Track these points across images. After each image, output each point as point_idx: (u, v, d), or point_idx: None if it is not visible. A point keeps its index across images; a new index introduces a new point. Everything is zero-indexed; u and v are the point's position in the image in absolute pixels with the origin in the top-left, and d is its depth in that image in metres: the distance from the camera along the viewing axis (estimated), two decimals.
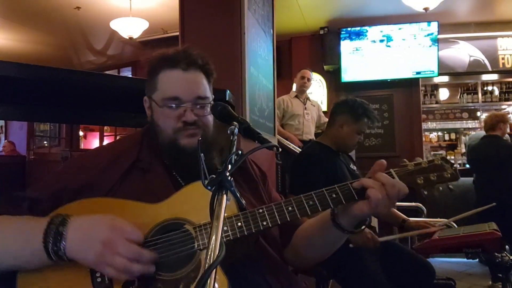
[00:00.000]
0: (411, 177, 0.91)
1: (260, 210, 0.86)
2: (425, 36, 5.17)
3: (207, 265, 0.56)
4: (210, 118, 1.03)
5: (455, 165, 0.94)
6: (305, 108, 4.10)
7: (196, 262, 0.83)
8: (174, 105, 0.98)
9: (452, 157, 5.87)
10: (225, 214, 0.81)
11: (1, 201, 0.89)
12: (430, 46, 5.15)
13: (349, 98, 2.20)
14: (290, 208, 0.86)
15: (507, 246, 2.20)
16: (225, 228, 0.84)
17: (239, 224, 0.84)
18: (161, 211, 0.88)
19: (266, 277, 0.94)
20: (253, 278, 0.92)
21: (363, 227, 0.93)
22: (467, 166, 4.95)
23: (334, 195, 0.87)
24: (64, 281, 0.81)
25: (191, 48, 1.04)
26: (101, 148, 1.17)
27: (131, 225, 0.81)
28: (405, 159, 0.94)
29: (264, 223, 0.85)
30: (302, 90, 4.12)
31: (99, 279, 0.80)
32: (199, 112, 1.00)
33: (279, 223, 0.86)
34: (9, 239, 0.80)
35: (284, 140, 3.47)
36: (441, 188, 0.93)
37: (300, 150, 3.37)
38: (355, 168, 2.24)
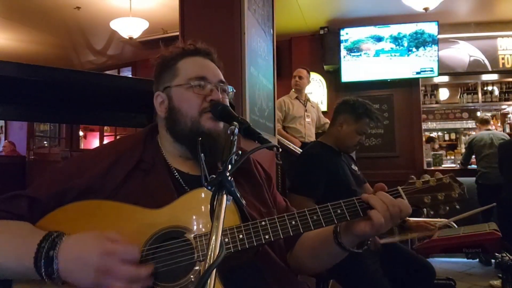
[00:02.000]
0: (418, 195, 0.90)
1: (263, 223, 0.85)
2: (425, 36, 5.17)
3: (207, 265, 0.56)
4: (227, 102, 1.04)
5: (463, 185, 0.92)
6: (306, 110, 4.10)
7: (196, 273, 0.82)
8: (201, 84, 1.00)
9: (452, 157, 5.87)
10: (227, 225, 0.80)
11: (1, 199, 0.88)
12: (430, 46, 5.15)
13: (351, 98, 2.19)
14: (293, 223, 0.85)
15: None
16: (226, 240, 0.82)
17: (241, 236, 0.83)
18: (162, 218, 0.86)
19: (268, 283, 0.93)
20: (255, 284, 0.91)
21: (365, 247, 0.93)
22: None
23: (339, 211, 0.86)
24: None
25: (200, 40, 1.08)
26: (103, 148, 1.15)
27: (124, 244, 0.78)
28: (413, 176, 0.92)
29: (267, 236, 0.84)
30: (297, 89, 4.11)
31: None
32: (222, 94, 1.02)
33: (282, 237, 0.85)
34: (1, 256, 0.79)
35: (285, 140, 3.46)
36: (448, 208, 0.90)
37: (301, 150, 3.36)
38: (356, 168, 2.23)
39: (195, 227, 0.86)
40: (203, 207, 0.88)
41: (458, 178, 0.93)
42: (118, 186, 0.92)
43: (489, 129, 4.78)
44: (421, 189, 0.90)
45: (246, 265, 0.90)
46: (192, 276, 0.81)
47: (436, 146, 5.98)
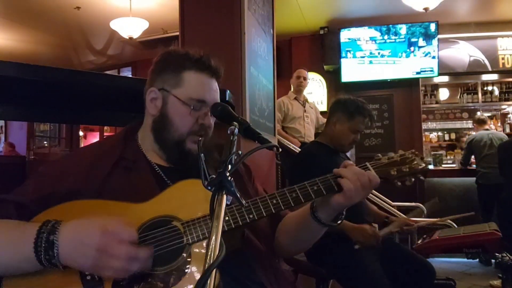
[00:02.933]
0: (385, 169, 1.00)
1: (246, 204, 0.88)
2: (425, 36, 5.17)
3: (207, 265, 0.56)
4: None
5: (425, 159, 1.03)
6: (305, 111, 4.11)
7: (186, 256, 0.84)
8: (199, 107, 1.02)
9: (452, 157, 5.87)
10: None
11: None
12: (430, 46, 5.15)
13: (344, 97, 2.19)
14: (274, 201, 0.90)
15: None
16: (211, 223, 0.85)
17: (226, 218, 0.86)
18: (148, 210, 0.89)
19: (255, 270, 0.96)
20: (241, 272, 0.94)
21: (340, 221, 0.99)
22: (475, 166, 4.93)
23: (315, 187, 0.92)
24: (53, 280, 0.80)
25: (210, 54, 1.08)
26: (83, 150, 1.17)
27: (123, 225, 0.80)
28: (379, 154, 1.03)
29: (251, 216, 0.88)
30: (299, 89, 4.13)
31: (88, 277, 0.80)
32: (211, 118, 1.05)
33: (265, 215, 0.89)
34: None
35: (284, 140, 3.47)
36: (413, 179, 1.00)
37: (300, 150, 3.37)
38: None
39: (181, 216, 0.88)
40: (188, 197, 0.92)
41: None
42: (101, 185, 0.93)
43: (487, 129, 4.77)
44: (386, 163, 1.00)
45: (233, 253, 0.91)
46: (182, 257, 0.84)
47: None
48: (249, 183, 1.14)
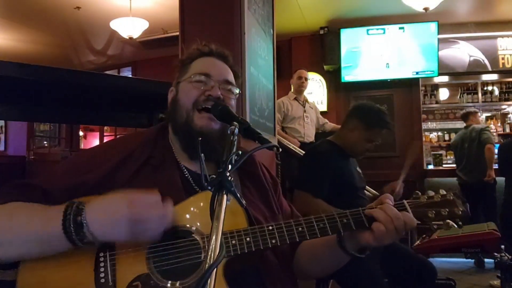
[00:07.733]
0: (423, 209, 0.92)
1: (270, 227, 0.87)
2: (425, 36, 5.17)
3: (207, 265, 0.56)
4: (233, 103, 1.06)
5: (466, 203, 0.94)
6: (305, 111, 4.11)
7: (202, 272, 0.83)
8: (203, 79, 1.02)
9: (452, 157, 5.87)
10: (235, 227, 0.82)
11: (15, 186, 0.89)
12: (430, 46, 5.15)
13: (368, 104, 2.14)
14: (300, 229, 0.87)
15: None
16: (233, 242, 0.84)
17: (248, 239, 0.84)
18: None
19: (266, 285, 0.94)
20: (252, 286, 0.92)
21: (367, 252, 0.95)
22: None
23: (345, 220, 0.88)
24: (66, 281, 0.80)
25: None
26: (114, 143, 1.18)
27: (143, 193, 0.81)
28: (417, 191, 0.95)
29: (273, 241, 0.85)
30: (300, 90, 4.13)
31: (102, 280, 0.80)
32: (225, 93, 1.04)
33: (288, 242, 0.87)
34: (29, 232, 0.80)
35: (284, 140, 3.46)
36: (450, 223, 0.92)
37: (301, 150, 3.37)
38: (360, 171, 2.24)
39: (203, 228, 0.87)
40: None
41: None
42: (128, 181, 0.93)
43: (468, 126, 4.70)
44: (425, 203, 0.92)
45: (249, 269, 0.91)
46: (198, 275, 0.82)
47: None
48: (274, 197, 1.12)
